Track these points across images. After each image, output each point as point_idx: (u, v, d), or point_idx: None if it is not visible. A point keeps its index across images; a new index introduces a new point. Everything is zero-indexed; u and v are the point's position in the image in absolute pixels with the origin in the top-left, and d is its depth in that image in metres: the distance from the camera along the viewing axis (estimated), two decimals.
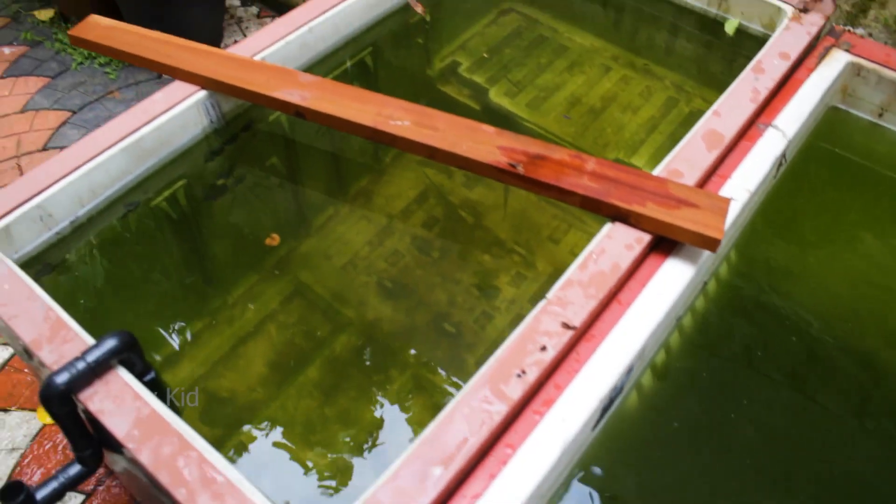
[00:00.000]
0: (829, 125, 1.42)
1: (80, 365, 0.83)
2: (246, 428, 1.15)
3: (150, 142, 1.20)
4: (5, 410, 1.74)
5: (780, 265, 1.31)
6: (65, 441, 1.69)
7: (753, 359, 1.18)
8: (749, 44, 1.48)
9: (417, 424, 1.15)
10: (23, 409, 1.74)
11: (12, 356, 1.83)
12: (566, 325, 0.91)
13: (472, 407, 0.84)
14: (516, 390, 0.85)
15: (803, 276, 1.30)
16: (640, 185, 1.03)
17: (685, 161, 1.12)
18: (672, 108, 1.55)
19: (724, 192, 1.12)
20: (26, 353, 0.94)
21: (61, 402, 0.82)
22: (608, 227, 1.03)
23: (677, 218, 0.99)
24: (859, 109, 1.41)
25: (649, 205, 1.01)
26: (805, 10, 1.39)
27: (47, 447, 1.68)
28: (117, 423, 0.82)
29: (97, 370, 0.85)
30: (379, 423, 1.15)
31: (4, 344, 1.87)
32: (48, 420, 1.69)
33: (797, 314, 1.24)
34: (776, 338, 1.21)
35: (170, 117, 1.21)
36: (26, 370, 1.78)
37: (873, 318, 1.25)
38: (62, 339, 0.90)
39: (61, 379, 0.82)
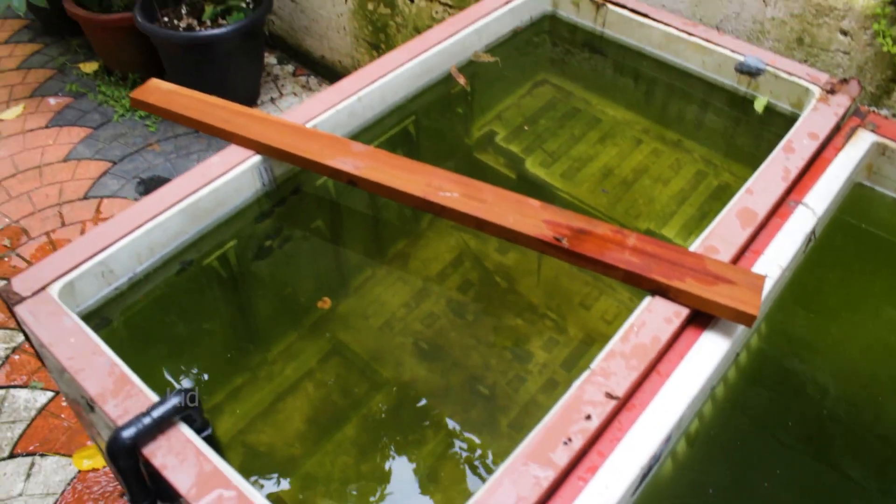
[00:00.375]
0: (855, 201, 1.46)
1: (147, 420, 0.87)
2: (284, 483, 1.18)
3: (207, 203, 1.26)
4: (42, 455, 1.78)
5: (809, 337, 1.34)
6: (99, 489, 1.72)
7: (783, 427, 1.21)
8: (777, 121, 1.53)
9: (451, 484, 1.18)
10: (59, 454, 1.77)
11: (49, 401, 1.87)
12: (609, 395, 0.95)
13: (520, 472, 0.87)
14: (562, 457, 0.88)
15: (831, 348, 1.34)
16: (679, 261, 1.08)
17: (720, 237, 1.16)
18: (701, 181, 1.59)
19: (758, 267, 1.16)
20: (88, 406, 0.99)
21: (128, 455, 0.86)
22: (648, 301, 1.07)
23: (715, 294, 1.03)
24: (884, 187, 1.46)
25: (688, 280, 1.05)
26: (832, 92, 1.45)
27: (81, 493, 1.71)
28: (181, 479, 0.85)
29: (161, 426, 0.89)
30: (414, 482, 1.18)
31: (43, 389, 1.91)
32: (84, 466, 1.72)
33: (825, 385, 1.27)
34: (805, 407, 1.24)
35: (226, 180, 1.27)
36: (63, 415, 1.82)
37: None
38: (126, 394, 0.94)
39: (128, 433, 0.86)
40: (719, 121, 1.67)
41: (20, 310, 1.04)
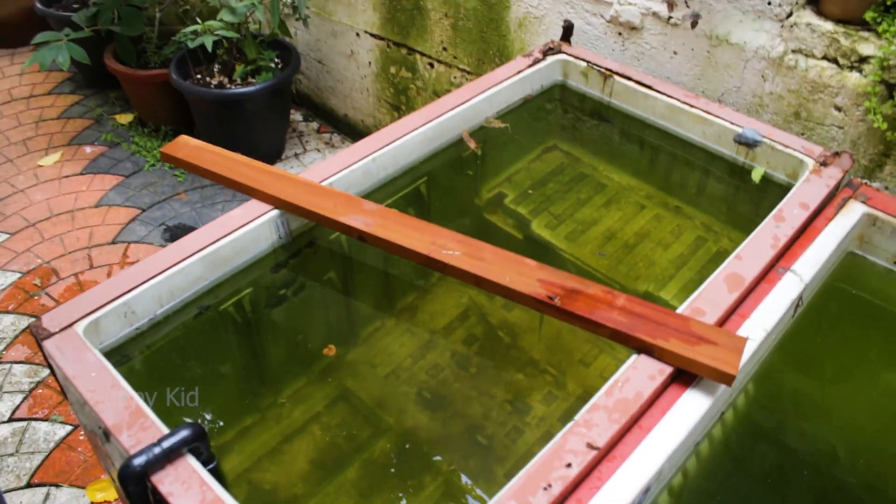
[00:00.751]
0: (848, 269, 1.51)
1: (156, 450, 0.94)
2: None
3: (226, 252, 1.34)
4: (57, 486, 1.85)
5: (797, 399, 1.38)
6: None
7: (767, 488, 1.25)
8: (774, 191, 1.60)
9: None
10: (73, 485, 1.84)
11: (68, 434, 1.95)
12: (590, 446, 1.00)
13: None
14: (542, 502, 0.94)
15: (822, 412, 1.38)
16: (664, 322, 1.14)
17: (708, 301, 1.22)
18: (700, 247, 1.65)
19: (743, 330, 1.21)
20: (104, 435, 1.06)
21: (137, 481, 0.93)
22: (634, 358, 1.13)
23: (697, 353, 1.09)
24: (876, 256, 1.50)
25: (672, 340, 1.11)
26: (825, 164, 1.51)
27: None
28: None
29: (170, 456, 0.96)
30: None
31: (62, 423, 1.99)
32: (97, 499, 1.78)
33: (811, 446, 1.31)
34: (790, 466, 1.28)
35: (245, 231, 1.36)
36: (80, 449, 1.89)
37: (892, 451, 1.31)
38: (140, 426, 1.02)
39: (139, 461, 0.93)
40: (719, 189, 1.73)
41: (48, 344, 1.12)
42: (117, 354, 1.24)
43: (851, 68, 1.58)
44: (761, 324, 1.23)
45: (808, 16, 1.64)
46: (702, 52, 1.82)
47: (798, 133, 1.72)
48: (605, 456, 1.03)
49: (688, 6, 1.80)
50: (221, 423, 1.35)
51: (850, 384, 1.42)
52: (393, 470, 1.31)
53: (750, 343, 1.18)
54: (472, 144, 1.73)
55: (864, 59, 1.56)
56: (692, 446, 1.19)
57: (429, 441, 1.35)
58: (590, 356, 1.48)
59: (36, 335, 1.15)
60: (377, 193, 1.60)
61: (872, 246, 1.50)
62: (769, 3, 1.66)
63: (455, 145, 1.74)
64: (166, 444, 0.95)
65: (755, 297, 1.28)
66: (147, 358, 1.29)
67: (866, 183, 1.52)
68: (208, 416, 1.34)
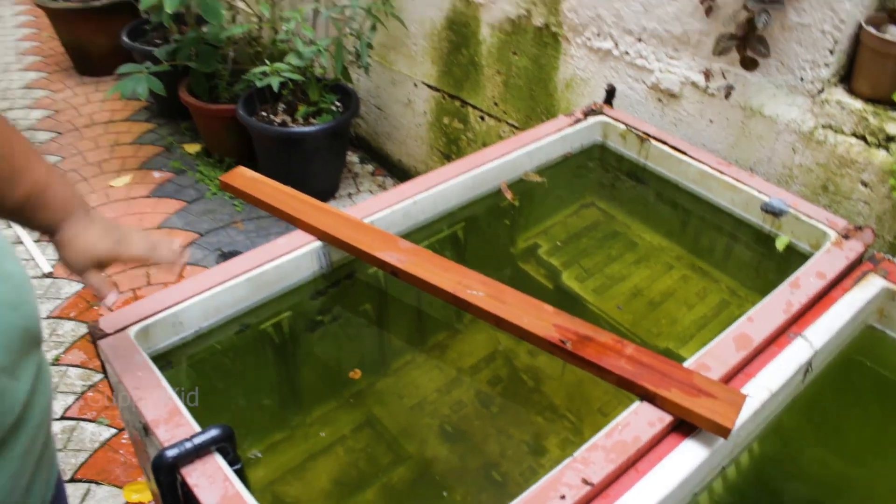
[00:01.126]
0: (866, 342, 1.53)
1: (188, 445, 1.04)
2: None
3: (270, 277, 1.45)
4: (97, 483, 1.96)
5: (804, 464, 1.42)
6: None
7: None
8: (797, 260, 1.63)
9: None
10: (112, 484, 1.95)
11: (112, 437, 2.07)
12: (585, 481, 1.07)
13: None
14: None
15: (825, 479, 1.40)
16: (669, 373, 1.21)
17: (714, 357, 1.29)
18: (724, 310, 1.70)
19: (747, 389, 1.27)
20: (144, 430, 1.16)
21: (168, 472, 1.03)
22: (636, 405, 1.20)
23: (696, 405, 1.16)
24: (894, 331, 1.54)
25: (673, 390, 1.17)
26: (847, 237, 1.56)
27: None
28: (208, 497, 1.01)
29: (199, 452, 1.05)
30: None
31: (108, 426, 2.11)
32: (132, 499, 1.89)
33: None
34: None
35: (288, 259, 1.47)
36: (121, 451, 2.01)
37: None
38: (176, 423, 1.12)
39: (171, 453, 1.03)
40: (745, 254, 1.79)
41: (102, 344, 1.24)
42: (163, 359, 1.34)
43: (879, 146, 1.64)
44: (766, 384, 1.28)
45: (839, 93, 1.71)
46: (736, 122, 1.90)
47: (826, 205, 1.77)
48: (599, 493, 1.09)
49: (724, 77, 1.88)
50: (252, 436, 1.44)
51: (862, 457, 1.44)
52: (409, 496, 1.38)
53: (750, 400, 1.23)
54: (508, 195, 1.83)
55: (891, 138, 1.62)
56: (690, 496, 1.24)
57: (446, 472, 1.41)
58: (608, 406, 1.54)
59: (93, 334, 1.26)
60: (416, 234, 1.69)
61: (892, 321, 1.53)
62: (801, 79, 1.74)
63: (494, 195, 1.83)
64: (197, 440, 1.05)
65: (763, 359, 1.33)
66: (190, 365, 1.39)
67: (889, 259, 1.56)
68: (241, 427, 1.43)
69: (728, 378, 1.28)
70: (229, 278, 1.41)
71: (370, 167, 3.45)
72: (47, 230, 1.04)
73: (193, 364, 1.39)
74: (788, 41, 1.73)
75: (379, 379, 1.59)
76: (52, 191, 1.00)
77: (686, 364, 1.27)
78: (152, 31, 3.90)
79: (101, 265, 1.09)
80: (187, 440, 1.04)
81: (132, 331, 1.28)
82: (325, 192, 3.22)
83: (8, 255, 0.97)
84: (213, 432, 1.05)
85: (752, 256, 1.77)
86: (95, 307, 2.61)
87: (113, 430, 2.12)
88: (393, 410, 1.53)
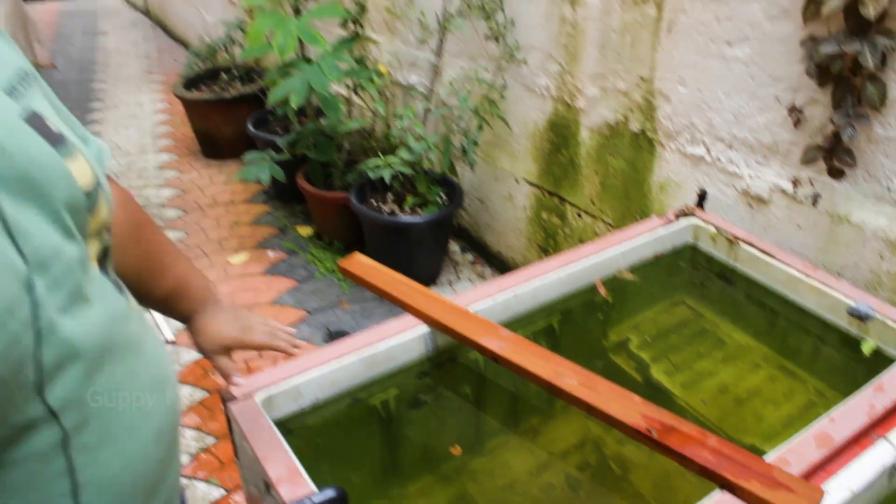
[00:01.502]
0: None
1: (307, 502, 1.18)
2: None
3: (380, 357, 1.59)
4: None
5: None
6: None
7: None
8: (884, 364, 1.66)
9: None
10: None
11: (221, 497, 2.23)
12: None
13: None
14: None
15: None
16: (749, 465, 1.28)
17: (795, 453, 1.35)
18: (810, 410, 1.74)
19: (827, 487, 1.32)
20: (265, 487, 1.31)
21: None
22: (717, 494, 1.27)
23: (774, 496, 1.22)
24: None
25: (753, 482, 1.25)
26: None
27: None
28: None
29: None
30: None
31: (217, 486, 2.27)
32: None
33: None
34: None
35: (398, 341, 1.61)
36: None
37: None
38: (295, 483, 1.26)
39: None
40: (832, 356, 1.83)
41: (232, 406, 1.40)
42: (283, 426, 1.49)
43: None
44: (848, 484, 1.33)
45: None
46: (824, 228, 1.97)
47: None
48: None
49: (812, 185, 1.97)
50: (356, 502, 1.56)
51: None
52: None
53: (829, 498, 1.28)
54: (602, 291, 1.94)
55: None
56: None
57: None
58: (693, 497, 1.59)
59: (224, 397, 1.43)
60: (515, 323, 1.80)
61: None
62: (888, 189, 1.81)
63: (588, 291, 1.94)
64: (316, 499, 1.18)
65: (844, 459, 1.38)
66: (307, 431, 1.54)
67: None
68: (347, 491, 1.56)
69: (808, 475, 1.34)
70: (345, 354, 1.56)
71: (470, 256, 3.62)
72: (184, 318, 1.20)
73: (309, 431, 1.53)
74: (874, 153, 1.81)
75: (474, 458, 1.69)
76: (192, 284, 1.17)
77: (768, 459, 1.34)
78: (275, 121, 4.24)
79: (229, 350, 1.24)
80: (307, 498, 1.18)
81: (258, 397, 1.44)
82: (428, 278, 3.39)
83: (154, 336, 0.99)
84: (330, 493, 1.19)
85: (840, 359, 1.82)
86: (212, 375, 2.82)
87: (222, 491, 2.29)
88: (486, 489, 1.62)
